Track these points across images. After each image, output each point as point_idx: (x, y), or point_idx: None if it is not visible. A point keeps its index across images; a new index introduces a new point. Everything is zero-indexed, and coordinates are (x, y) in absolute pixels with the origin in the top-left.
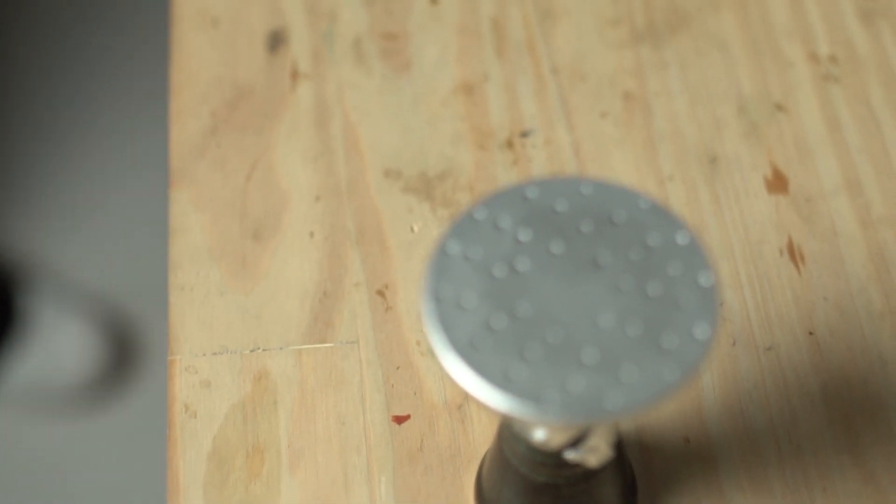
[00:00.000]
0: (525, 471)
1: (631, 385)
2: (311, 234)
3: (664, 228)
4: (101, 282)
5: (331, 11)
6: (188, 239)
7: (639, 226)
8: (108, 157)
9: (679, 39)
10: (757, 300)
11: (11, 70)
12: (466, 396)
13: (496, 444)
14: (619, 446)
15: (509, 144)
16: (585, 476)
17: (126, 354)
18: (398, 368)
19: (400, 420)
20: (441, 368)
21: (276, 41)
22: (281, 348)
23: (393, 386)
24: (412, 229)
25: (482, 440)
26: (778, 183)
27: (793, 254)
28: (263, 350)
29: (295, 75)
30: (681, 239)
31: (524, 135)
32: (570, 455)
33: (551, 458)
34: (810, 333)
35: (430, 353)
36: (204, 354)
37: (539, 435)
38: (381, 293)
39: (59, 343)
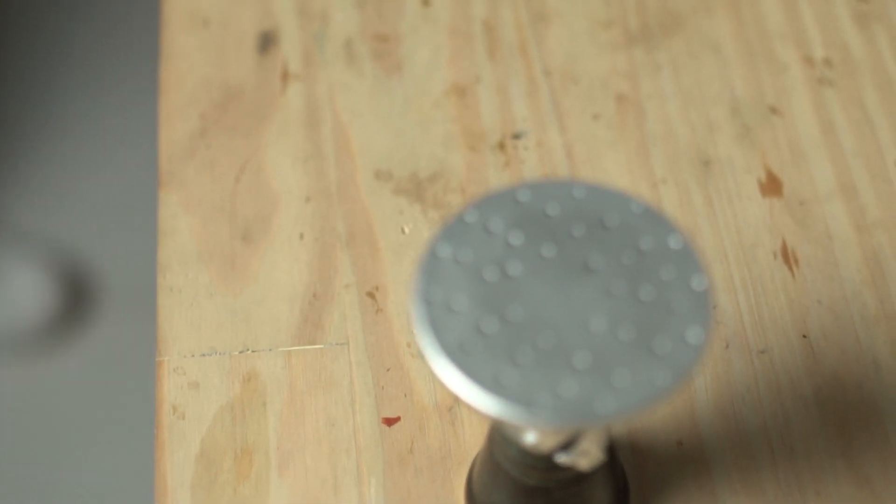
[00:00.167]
0: (516, 474)
1: (623, 389)
2: (301, 236)
3: (657, 232)
4: (90, 283)
5: (322, 12)
6: (177, 241)
7: (631, 229)
8: (97, 159)
9: (672, 42)
10: (750, 303)
11: None
12: (457, 399)
13: (487, 447)
14: (611, 450)
15: (501, 146)
16: (577, 479)
17: (79, 300)
18: (388, 370)
19: (390, 422)
20: (431, 372)
21: (267, 42)
22: (270, 350)
23: (383, 388)
24: (403, 231)
25: (473, 442)
26: (772, 186)
27: (787, 257)
28: (252, 351)
29: (285, 76)
30: (673, 242)
31: (516, 137)
32: (562, 458)
33: (542, 462)
34: (804, 337)
35: (421, 356)
36: (192, 356)
37: (530, 438)
38: (371, 295)
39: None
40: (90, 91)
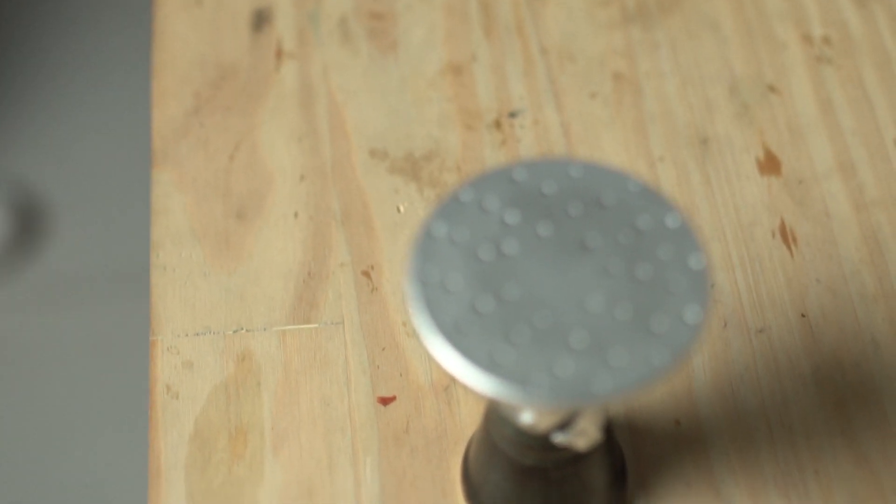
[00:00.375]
0: (512, 454)
1: (620, 369)
2: (296, 215)
3: (654, 211)
4: (82, 262)
5: None
6: (171, 219)
7: (628, 208)
8: (90, 138)
9: (670, 20)
10: (749, 282)
11: None
12: (453, 379)
13: (483, 427)
14: (608, 429)
15: (497, 125)
16: (574, 459)
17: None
18: (384, 349)
19: (385, 401)
20: (426, 351)
21: (261, 20)
22: (264, 329)
23: (378, 367)
24: (398, 210)
25: (469, 422)
26: (770, 165)
27: (785, 236)
28: (247, 331)
29: (280, 55)
30: (671, 221)
31: (512, 115)
32: (559, 438)
33: (539, 442)
34: (802, 316)
35: (416, 335)
36: (186, 335)
37: (526, 418)
38: (366, 274)
39: None
40: (83, 70)
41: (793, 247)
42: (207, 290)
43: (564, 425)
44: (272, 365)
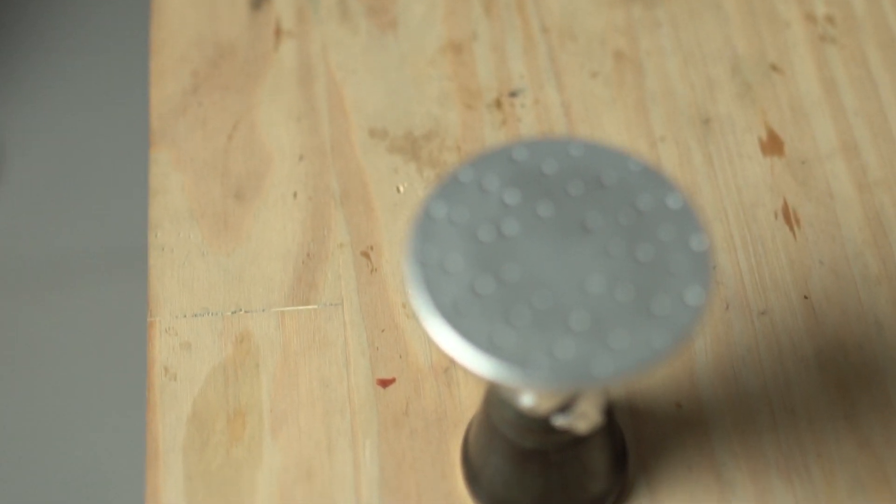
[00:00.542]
0: (513, 437)
1: (620, 351)
2: (295, 195)
3: (655, 191)
4: (79, 242)
5: None
6: (168, 199)
7: (629, 188)
8: (87, 117)
9: None
10: (751, 264)
11: None
12: (452, 360)
13: (483, 410)
14: (609, 412)
15: (498, 104)
16: (574, 442)
17: None
18: (383, 331)
19: (385, 383)
20: (426, 333)
21: None
22: (263, 310)
23: (378, 349)
24: (398, 190)
25: (469, 404)
26: (773, 145)
27: (788, 217)
28: (245, 312)
29: (278, 33)
30: (672, 202)
31: (513, 94)
32: (559, 421)
33: (539, 424)
34: (805, 298)
35: (415, 317)
36: (184, 316)
37: (527, 401)
38: (365, 254)
39: None
40: (80, 48)
41: (795, 228)
42: (206, 271)
43: (565, 408)
44: (271, 346)
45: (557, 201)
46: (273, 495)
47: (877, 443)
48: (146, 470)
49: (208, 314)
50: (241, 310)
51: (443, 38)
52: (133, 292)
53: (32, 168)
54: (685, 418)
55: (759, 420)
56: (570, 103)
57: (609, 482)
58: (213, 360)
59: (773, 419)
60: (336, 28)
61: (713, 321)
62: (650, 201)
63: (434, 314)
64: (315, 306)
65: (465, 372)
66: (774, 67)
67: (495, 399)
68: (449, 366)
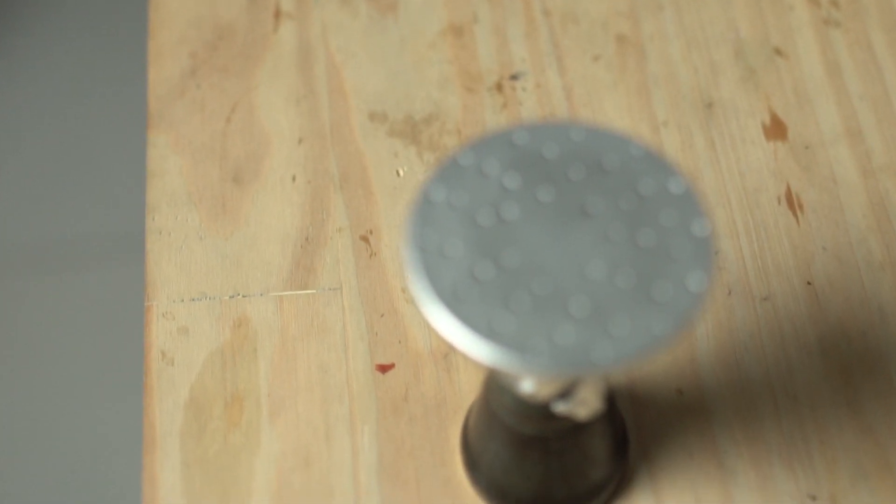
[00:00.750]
0: (512, 423)
1: (621, 337)
2: (294, 178)
3: (657, 175)
4: (76, 225)
5: None
6: (166, 182)
7: (631, 173)
8: (84, 99)
9: None
10: (753, 249)
11: None
12: (452, 346)
13: (482, 396)
14: (610, 399)
15: (499, 88)
16: (575, 429)
17: None
18: (382, 316)
19: (384, 369)
20: (424, 319)
21: None
22: (261, 294)
23: (377, 334)
24: (398, 174)
25: (469, 389)
26: (776, 129)
27: (791, 202)
28: (243, 296)
29: (278, 15)
30: (674, 186)
31: (514, 78)
32: (559, 408)
33: (539, 411)
34: (808, 284)
35: (414, 302)
36: (182, 300)
37: (526, 387)
38: (365, 239)
39: None
40: (77, 29)
41: (799, 213)
42: (203, 255)
43: (565, 394)
44: (269, 331)
45: (558, 186)
46: (270, 482)
47: (880, 430)
48: (143, 456)
49: (206, 298)
50: (238, 294)
51: (443, 20)
52: (130, 276)
53: (28, 150)
54: (686, 405)
55: (761, 407)
56: (571, 87)
57: (609, 469)
58: (210, 344)
59: (775, 406)
60: (336, 10)
61: (715, 307)
62: (652, 186)
63: (433, 300)
64: (314, 291)
65: (465, 358)
66: (778, 51)
67: (495, 385)
68: (448, 351)
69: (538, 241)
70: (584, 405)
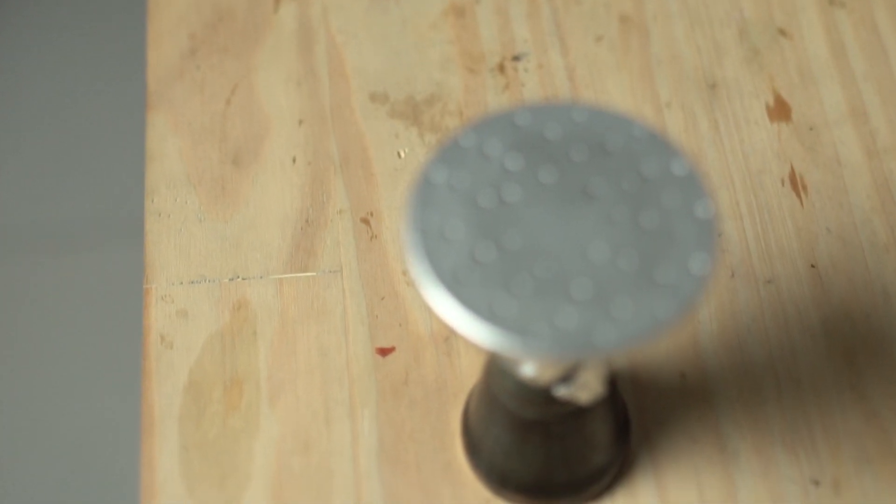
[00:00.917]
0: (513, 407)
1: (623, 320)
2: (294, 160)
3: (660, 157)
4: (75, 207)
5: None
6: (165, 164)
7: (634, 154)
8: (83, 80)
9: None
10: (757, 231)
11: None
12: (452, 330)
13: (483, 380)
14: (612, 382)
15: (501, 69)
16: (576, 413)
17: None
18: (383, 299)
19: (384, 352)
20: (425, 302)
21: None
22: (261, 277)
23: (377, 317)
24: (399, 155)
25: (470, 373)
26: (780, 110)
27: (795, 184)
28: (243, 279)
29: None
30: (678, 168)
31: (516, 59)
32: (560, 392)
33: (540, 395)
34: (812, 266)
35: (414, 285)
36: (181, 283)
37: (528, 371)
38: (365, 221)
39: None
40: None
41: (802, 195)
42: (203, 238)
43: (566, 378)
44: (269, 314)
45: (560, 167)
46: (270, 465)
47: (884, 414)
48: (141, 440)
49: (205, 281)
50: (238, 277)
51: (445, 1)
52: (129, 259)
53: (26, 132)
54: (689, 389)
55: (765, 391)
56: (574, 68)
57: (611, 454)
58: (209, 328)
59: (778, 390)
60: None
61: (718, 290)
62: (655, 167)
63: (433, 282)
64: (314, 273)
65: (466, 341)
66: (782, 32)
67: (496, 369)
68: (449, 335)
69: (540, 223)
70: (586, 389)
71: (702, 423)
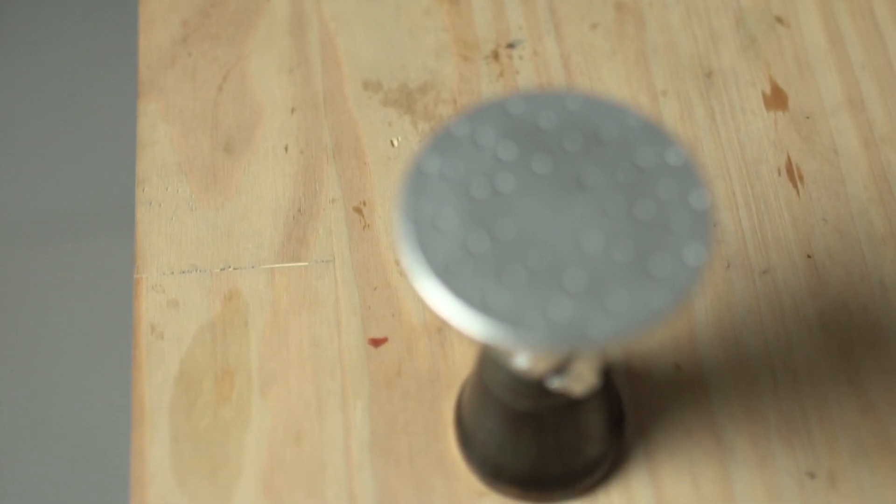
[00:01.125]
0: (506, 399)
1: (618, 312)
2: (286, 148)
3: (655, 146)
4: (64, 196)
5: None
6: (157, 152)
7: (629, 143)
8: (73, 67)
9: None
10: (753, 222)
11: None
12: (445, 321)
13: (476, 371)
14: (606, 374)
15: (495, 56)
16: (570, 405)
17: None
18: (375, 289)
19: (377, 343)
20: (417, 292)
21: None
22: (253, 267)
23: (370, 307)
24: (392, 144)
25: (463, 364)
26: (777, 99)
27: (791, 173)
28: (234, 268)
29: None
30: (673, 157)
31: (511, 46)
32: (554, 384)
33: (534, 387)
34: (808, 257)
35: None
36: (172, 273)
37: (521, 362)
38: (358, 210)
39: None
40: None
41: (799, 185)
42: (194, 227)
43: (560, 370)
44: (260, 304)
45: (554, 157)
46: (261, 457)
47: (880, 406)
48: (132, 431)
49: (196, 271)
50: (230, 266)
51: None
52: (119, 248)
53: (16, 120)
54: (684, 380)
55: (760, 382)
56: (569, 55)
57: (605, 446)
58: (200, 318)
59: (774, 382)
60: None
61: (714, 281)
62: (650, 157)
63: (425, 273)
64: (306, 263)
65: (459, 333)
66: (779, 20)
67: (489, 361)
68: (443, 325)
69: (533, 213)
70: (580, 381)
71: (697, 415)
